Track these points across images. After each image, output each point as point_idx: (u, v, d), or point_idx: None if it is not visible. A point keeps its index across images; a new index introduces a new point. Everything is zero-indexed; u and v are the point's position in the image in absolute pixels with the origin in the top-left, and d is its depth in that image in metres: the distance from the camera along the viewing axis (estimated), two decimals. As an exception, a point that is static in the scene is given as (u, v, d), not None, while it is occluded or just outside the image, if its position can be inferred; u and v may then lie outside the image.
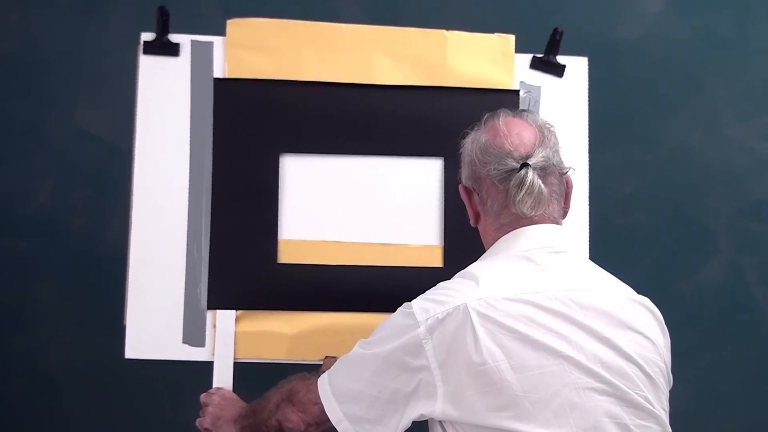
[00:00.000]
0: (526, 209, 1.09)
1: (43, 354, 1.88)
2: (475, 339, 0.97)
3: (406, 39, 1.45)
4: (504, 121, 1.15)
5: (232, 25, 1.43)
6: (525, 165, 1.09)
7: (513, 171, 1.09)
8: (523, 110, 1.21)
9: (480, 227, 1.19)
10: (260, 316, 1.40)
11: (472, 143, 1.17)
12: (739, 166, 1.97)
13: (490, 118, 1.19)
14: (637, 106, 1.97)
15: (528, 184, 1.08)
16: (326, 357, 1.37)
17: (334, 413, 1.07)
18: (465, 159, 1.19)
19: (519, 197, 1.08)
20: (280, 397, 1.18)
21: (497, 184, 1.11)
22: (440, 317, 1.00)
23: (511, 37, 1.48)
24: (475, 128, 1.22)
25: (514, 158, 1.10)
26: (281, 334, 1.39)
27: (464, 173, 1.19)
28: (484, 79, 1.46)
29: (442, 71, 1.45)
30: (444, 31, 1.47)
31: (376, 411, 1.03)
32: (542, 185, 1.09)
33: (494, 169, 1.11)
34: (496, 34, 1.48)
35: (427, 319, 1.00)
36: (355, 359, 1.09)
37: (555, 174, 1.14)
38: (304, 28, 1.44)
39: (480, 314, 0.98)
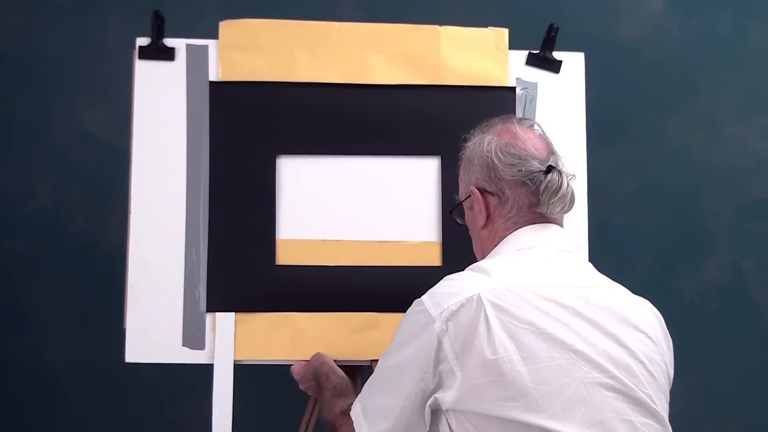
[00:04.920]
0: (557, 211, 1.12)
1: (43, 354, 1.89)
2: (488, 329, 0.97)
3: (400, 35, 1.45)
4: (518, 126, 1.17)
5: (225, 26, 1.43)
6: (551, 168, 1.11)
7: (539, 173, 1.11)
8: (523, 118, 1.21)
9: (485, 230, 1.18)
10: (260, 319, 1.40)
11: (487, 145, 1.16)
12: (739, 166, 1.97)
13: (498, 122, 1.20)
14: (636, 105, 1.97)
15: (564, 187, 1.11)
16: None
17: None
18: (476, 162, 1.17)
19: (552, 200, 1.10)
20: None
21: (528, 183, 1.12)
22: (454, 309, 1.00)
23: (505, 31, 1.47)
24: (478, 132, 1.22)
25: (538, 160, 1.12)
26: (281, 335, 1.39)
27: (475, 176, 1.18)
28: (478, 74, 1.45)
29: (437, 67, 1.44)
30: (437, 26, 1.46)
31: (405, 420, 1.03)
32: (571, 188, 1.12)
33: (519, 170, 1.12)
34: (489, 28, 1.48)
35: (442, 312, 1.00)
36: (381, 374, 1.08)
37: None
38: (297, 27, 1.44)
39: (493, 304, 0.99)
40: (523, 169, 1.12)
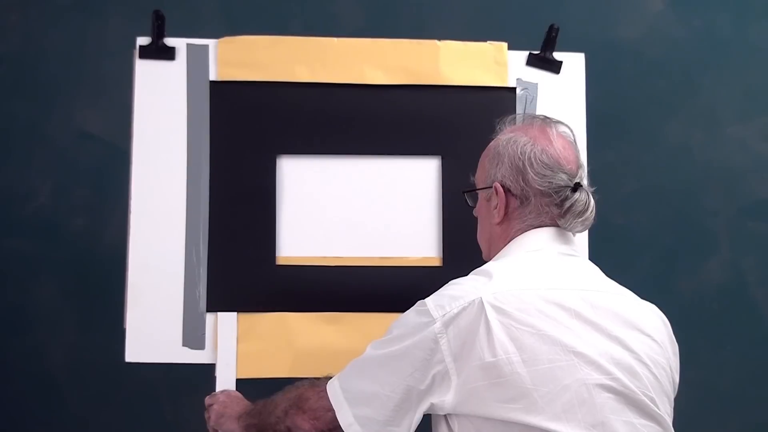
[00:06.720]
0: (577, 230, 1.13)
1: (43, 354, 1.89)
2: (488, 332, 0.98)
3: (399, 50, 1.45)
4: (556, 133, 1.16)
5: (223, 43, 1.43)
6: (578, 185, 1.11)
7: (566, 188, 1.11)
8: (559, 121, 1.19)
9: (499, 228, 1.17)
10: (261, 323, 1.39)
11: (522, 147, 1.15)
12: (739, 166, 1.97)
13: (536, 122, 1.18)
14: (637, 105, 1.97)
15: (589, 209, 1.12)
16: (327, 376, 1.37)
17: (344, 417, 1.06)
18: (506, 160, 1.16)
19: (576, 220, 1.11)
20: (289, 403, 1.17)
21: (553, 195, 1.12)
22: (456, 312, 1.00)
23: (504, 45, 1.48)
24: (510, 123, 1.21)
25: (567, 174, 1.12)
26: (283, 350, 1.39)
27: (502, 173, 1.16)
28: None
29: (436, 82, 1.45)
30: (436, 41, 1.46)
31: (388, 412, 1.03)
32: (593, 207, 1.13)
33: (549, 182, 1.12)
34: (488, 42, 1.48)
35: (443, 315, 1.01)
36: (369, 360, 1.08)
37: None
38: (296, 43, 1.44)
39: (495, 308, 0.99)
40: (552, 181, 1.12)
